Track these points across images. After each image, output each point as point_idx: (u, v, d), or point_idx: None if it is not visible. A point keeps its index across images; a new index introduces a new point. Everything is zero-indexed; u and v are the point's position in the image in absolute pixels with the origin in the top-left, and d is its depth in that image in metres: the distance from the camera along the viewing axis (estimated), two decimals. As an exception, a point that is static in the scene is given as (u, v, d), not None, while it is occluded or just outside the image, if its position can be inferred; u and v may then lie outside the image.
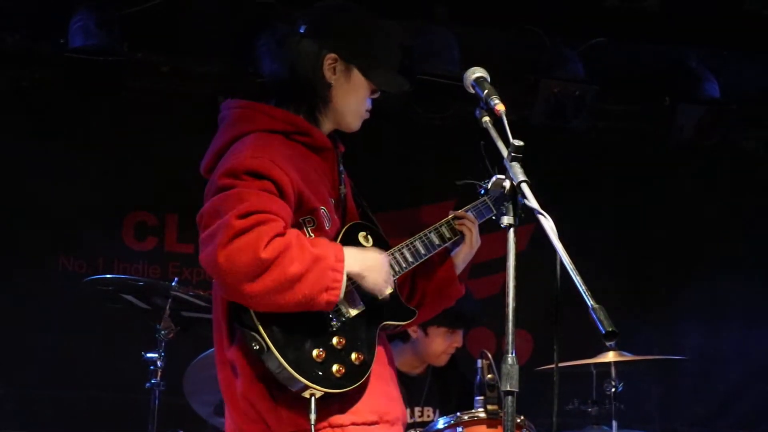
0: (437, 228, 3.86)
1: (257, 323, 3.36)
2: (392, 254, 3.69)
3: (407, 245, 3.74)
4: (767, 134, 8.62)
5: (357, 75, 3.63)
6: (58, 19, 7.10)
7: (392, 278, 3.60)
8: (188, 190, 7.62)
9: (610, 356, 6.00)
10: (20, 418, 7.08)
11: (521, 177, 3.11)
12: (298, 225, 3.48)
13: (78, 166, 7.53)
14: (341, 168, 3.75)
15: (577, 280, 2.97)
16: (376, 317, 3.58)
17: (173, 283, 5.60)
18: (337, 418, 3.44)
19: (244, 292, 3.30)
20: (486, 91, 3.41)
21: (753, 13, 7.03)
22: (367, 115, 3.74)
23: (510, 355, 3.02)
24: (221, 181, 3.44)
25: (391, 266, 3.63)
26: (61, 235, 7.51)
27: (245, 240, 3.26)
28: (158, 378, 5.61)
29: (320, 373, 3.37)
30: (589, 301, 2.92)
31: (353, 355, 3.44)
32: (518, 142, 3.17)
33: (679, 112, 7.96)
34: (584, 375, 6.29)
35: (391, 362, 3.71)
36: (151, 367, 5.62)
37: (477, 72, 3.48)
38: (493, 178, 3.22)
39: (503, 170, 3.20)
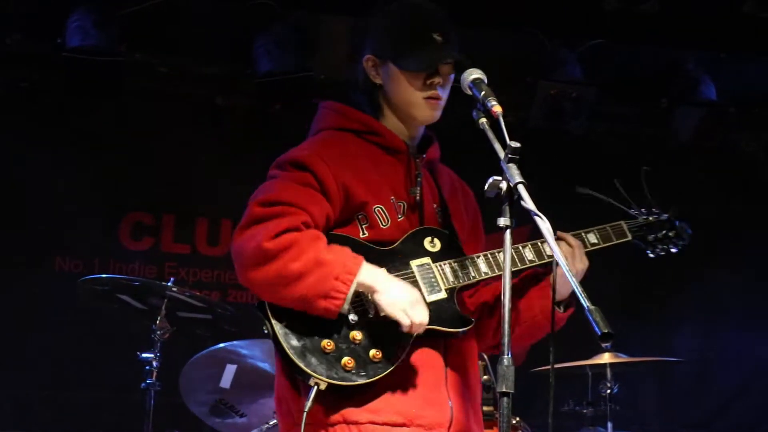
0: (536, 244, 3.75)
1: (267, 310, 3.41)
2: (463, 261, 3.61)
3: (485, 255, 3.64)
4: (765, 137, 8.62)
5: (392, 67, 3.62)
6: (55, 19, 7.10)
7: (418, 309, 3.41)
8: (185, 190, 7.76)
9: (606, 358, 6.01)
10: (15, 418, 7.08)
11: (518, 178, 3.10)
12: (352, 221, 3.51)
13: (75, 166, 7.53)
14: (419, 171, 3.69)
15: (573, 281, 2.98)
16: None
17: (169, 284, 5.60)
18: (352, 413, 3.41)
19: (248, 277, 3.36)
20: (483, 92, 3.40)
21: (751, 16, 7.03)
22: (434, 103, 3.63)
23: (506, 356, 3.02)
24: (270, 172, 3.55)
25: (454, 273, 3.57)
26: (57, 235, 7.52)
27: (258, 228, 3.34)
28: (154, 378, 5.61)
29: (325, 364, 3.35)
30: (585, 303, 2.92)
31: (371, 352, 3.39)
32: (515, 144, 3.16)
33: (676, 115, 7.97)
34: (580, 376, 6.29)
35: (457, 369, 3.59)
36: (147, 368, 5.62)
37: (474, 73, 3.48)
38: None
39: (501, 171, 3.19)
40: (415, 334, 3.43)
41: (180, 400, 5.86)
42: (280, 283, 3.32)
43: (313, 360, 3.34)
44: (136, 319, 5.93)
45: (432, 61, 3.59)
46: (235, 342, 5.53)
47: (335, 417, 3.40)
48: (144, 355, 5.63)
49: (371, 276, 3.38)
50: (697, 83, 7.82)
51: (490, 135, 3.33)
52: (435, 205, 3.72)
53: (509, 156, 3.15)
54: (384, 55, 3.64)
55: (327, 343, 3.37)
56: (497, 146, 3.27)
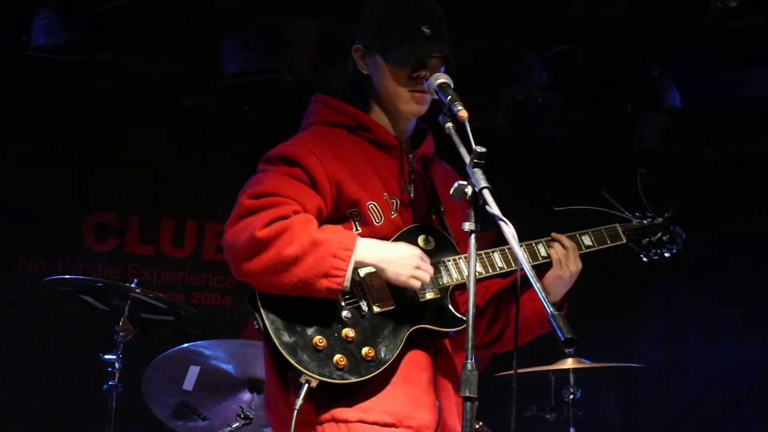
0: (531, 244, 3.79)
1: (258, 303, 3.38)
2: (457, 260, 3.60)
3: (479, 254, 3.60)
4: (729, 144, 8.67)
5: (379, 59, 3.60)
6: (21, 18, 7.05)
7: (426, 275, 3.44)
8: (150, 191, 7.72)
9: (569, 363, 6.03)
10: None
11: (483, 183, 3.10)
12: (345, 218, 3.49)
13: (40, 165, 7.48)
14: (412, 167, 3.67)
15: (537, 287, 2.98)
16: (411, 319, 3.48)
17: (132, 285, 5.57)
18: (341, 412, 3.38)
19: (242, 269, 3.33)
20: (449, 97, 3.41)
21: (716, 24, 7.07)
22: (419, 97, 3.60)
23: (469, 361, 3.01)
24: (259, 166, 3.53)
25: (447, 271, 3.56)
26: (20, 235, 7.46)
27: (249, 219, 3.32)
28: (116, 380, 5.58)
29: (317, 361, 3.32)
30: (549, 308, 2.93)
31: (364, 350, 3.37)
32: (481, 149, 3.16)
33: (641, 121, 8.01)
34: (543, 381, 6.31)
35: (445, 371, 3.59)
36: (109, 369, 5.59)
37: (440, 78, 3.48)
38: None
39: (466, 176, 3.19)
40: (406, 335, 3.43)
41: (143, 402, 5.83)
42: (277, 270, 3.29)
43: (305, 357, 3.32)
44: (98, 320, 5.89)
45: (417, 56, 3.57)
46: (198, 342, 5.49)
47: (325, 415, 3.39)
48: (106, 356, 5.60)
49: (369, 249, 3.39)
50: (662, 90, 7.86)
51: (456, 140, 3.34)
52: (429, 202, 3.70)
53: (474, 161, 3.15)
54: (371, 47, 3.63)
55: (319, 340, 3.34)
56: (463, 151, 3.27)
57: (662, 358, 8.14)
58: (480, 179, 3.12)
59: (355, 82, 3.70)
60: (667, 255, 4.16)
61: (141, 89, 7.73)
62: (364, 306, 3.42)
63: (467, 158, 3.20)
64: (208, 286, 7.79)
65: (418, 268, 3.42)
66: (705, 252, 8.20)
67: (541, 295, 2.97)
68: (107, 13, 7.11)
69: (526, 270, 3.02)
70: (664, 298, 8.19)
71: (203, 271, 7.81)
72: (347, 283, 3.34)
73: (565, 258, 3.77)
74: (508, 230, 3.07)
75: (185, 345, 5.49)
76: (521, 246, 3.69)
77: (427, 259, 3.47)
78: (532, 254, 3.75)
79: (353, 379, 3.35)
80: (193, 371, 5.53)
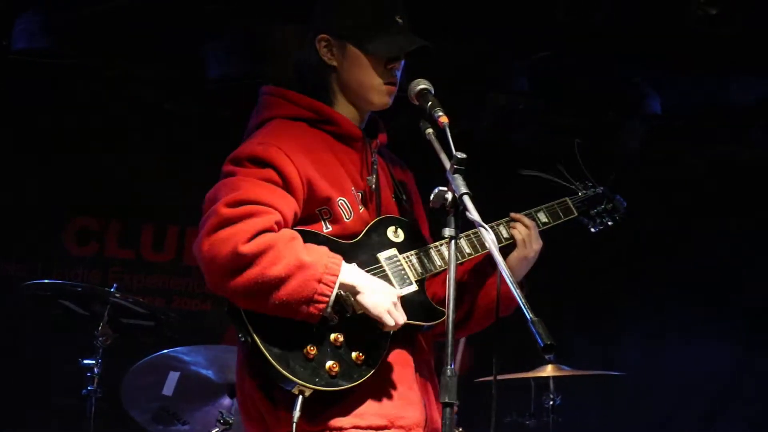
0: (492, 227, 3.65)
1: (243, 316, 3.25)
2: (427, 250, 3.53)
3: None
4: (710, 151, 8.70)
5: (352, 49, 3.51)
6: (1, 21, 7.02)
7: (399, 308, 3.33)
8: (131, 196, 7.71)
9: (549, 370, 6.03)
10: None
11: (463, 189, 3.08)
12: (314, 217, 3.39)
13: (20, 169, 7.46)
14: (374, 158, 3.60)
15: (516, 292, 2.95)
16: None
17: (112, 289, 5.56)
18: (337, 421, 3.31)
19: (224, 286, 3.18)
20: (430, 103, 3.39)
21: (699, 32, 7.09)
22: (392, 89, 3.54)
23: (449, 366, 2.98)
24: (225, 168, 3.37)
25: (421, 263, 3.50)
26: (0, 239, 7.43)
27: (230, 231, 3.16)
28: (95, 384, 5.56)
29: (309, 370, 3.23)
30: (528, 314, 2.90)
31: (353, 354, 3.29)
32: (461, 155, 3.14)
33: (623, 128, 8.03)
34: (523, 387, 6.31)
35: (421, 365, 3.51)
36: (88, 374, 5.57)
37: (421, 84, 3.46)
38: (436, 194, 3.12)
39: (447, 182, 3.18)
40: (391, 333, 3.35)
41: (122, 407, 5.81)
42: (261, 290, 3.16)
43: (297, 367, 3.22)
44: (78, 325, 5.87)
45: (401, 47, 3.52)
46: (178, 348, 5.48)
47: (319, 424, 3.31)
48: (86, 361, 5.58)
49: (352, 276, 3.26)
50: (644, 97, 7.89)
51: (437, 146, 3.31)
52: (390, 191, 3.64)
53: (455, 167, 3.13)
54: (343, 36, 3.52)
55: (310, 348, 3.25)
56: (443, 157, 3.25)
57: (644, 364, 8.15)
58: (460, 185, 3.09)
59: (317, 73, 3.57)
60: (610, 224, 4.11)
61: (123, 93, 7.72)
62: (348, 308, 3.31)
63: (447, 164, 3.18)
64: (189, 291, 7.78)
65: (395, 305, 3.32)
66: (689, 258, 8.25)
67: (521, 301, 2.94)
68: (89, 17, 7.09)
69: (504, 275, 3.00)
70: (648, 305, 8.20)
71: (184, 276, 7.80)
72: (329, 309, 3.23)
73: (528, 237, 3.71)
74: (488, 236, 3.06)
75: (165, 351, 5.48)
76: (500, 224, 3.70)
77: (399, 305, 3.36)
78: (497, 237, 3.65)
79: (347, 385, 3.27)
80: (173, 377, 5.51)
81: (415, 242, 3.54)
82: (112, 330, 5.56)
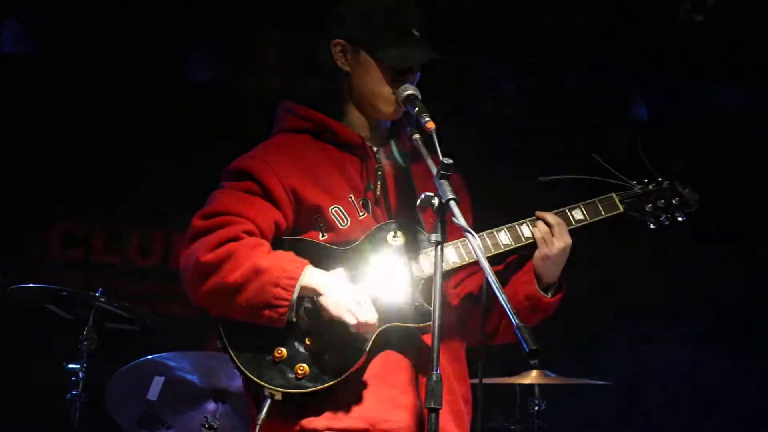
0: (513, 226, 3.62)
1: (216, 321, 3.34)
2: (426, 253, 3.47)
3: (455, 244, 3.51)
4: (695, 158, 8.71)
5: (364, 55, 3.53)
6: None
7: (365, 307, 3.29)
8: (117, 201, 7.68)
9: (534, 376, 6.03)
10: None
11: (450, 195, 3.08)
12: (310, 225, 3.44)
13: (5, 173, 7.43)
14: (379, 164, 3.59)
15: (502, 298, 2.94)
16: (379, 318, 3.34)
17: (97, 294, 5.54)
18: (310, 421, 3.32)
19: (193, 295, 3.32)
20: (417, 108, 3.39)
21: (685, 37, 7.11)
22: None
23: (435, 372, 2.99)
24: (220, 181, 3.50)
25: (418, 264, 3.45)
26: (-17, 242, 7.42)
27: (199, 242, 3.29)
28: (80, 389, 5.54)
29: (275, 373, 3.28)
30: (514, 320, 2.89)
31: (326, 357, 3.31)
32: (448, 160, 3.14)
33: (608, 134, 8.04)
34: (509, 393, 6.30)
35: (412, 368, 3.45)
36: (73, 378, 5.55)
37: (408, 89, 3.47)
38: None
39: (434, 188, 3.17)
40: (373, 337, 3.34)
41: (106, 412, 5.80)
42: (222, 296, 3.25)
43: (266, 371, 3.28)
44: (63, 329, 5.85)
45: (413, 58, 3.53)
46: (163, 354, 5.47)
47: (293, 426, 3.33)
48: (70, 365, 5.57)
49: (315, 278, 3.28)
50: (630, 103, 7.90)
51: (424, 151, 3.33)
52: (403, 196, 3.60)
53: (441, 172, 3.13)
54: (357, 42, 3.54)
55: (279, 351, 3.29)
56: (430, 162, 3.26)
57: (631, 372, 8.16)
58: (447, 190, 3.09)
59: (330, 77, 3.61)
60: (680, 219, 3.87)
61: (108, 98, 7.70)
62: (323, 312, 3.32)
63: (434, 169, 3.18)
64: (174, 295, 7.76)
65: (360, 303, 3.29)
66: (673, 263, 8.25)
67: (506, 306, 2.92)
68: (75, 22, 7.09)
69: (490, 280, 2.98)
70: (633, 312, 8.21)
71: (169, 281, 7.78)
72: (292, 313, 3.26)
73: (549, 235, 3.57)
74: (474, 242, 3.06)
75: (150, 356, 5.47)
76: (501, 230, 3.60)
77: (371, 305, 3.31)
78: (515, 236, 3.59)
79: (314, 388, 3.29)
80: (158, 381, 5.50)
81: (417, 245, 3.51)
82: (97, 335, 5.55)
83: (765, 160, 8.11)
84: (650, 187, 3.90)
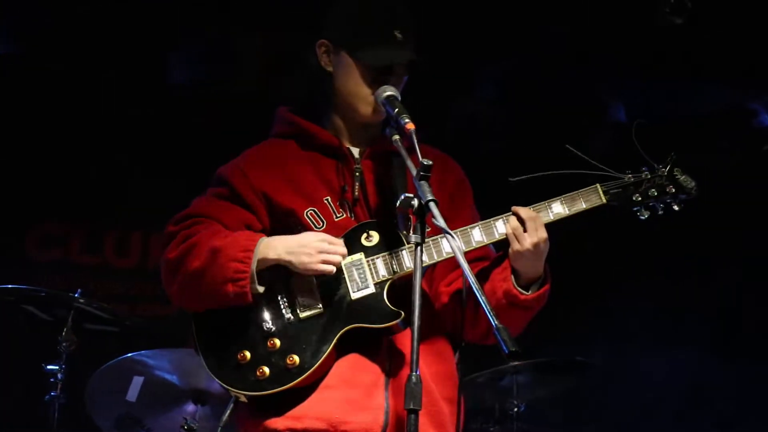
0: (488, 223, 3.53)
1: (193, 326, 3.42)
2: (398, 253, 3.44)
3: (426, 242, 3.33)
4: (680, 159, 8.73)
5: (345, 56, 3.54)
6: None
7: (335, 257, 3.35)
8: (95, 201, 7.66)
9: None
10: None
11: (429, 196, 3.09)
12: (288, 228, 3.47)
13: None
14: (358, 165, 3.58)
15: (482, 299, 2.95)
16: (342, 319, 3.38)
17: (76, 295, 5.52)
18: (272, 422, 3.35)
19: (169, 294, 3.45)
20: (397, 109, 3.40)
21: (665, 40, 7.13)
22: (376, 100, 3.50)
23: (414, 373, 2.98)
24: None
25: (387, 266, 3.42)
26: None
27: (170, 245, 3.42)
28: (58, 390, 5.53)
29: (238, 375, 3.34)
30: (494, 321, 2.89)
31: (287, 359, 3.33)
32: (427, 162, 3.14)
33: (589, 136, 8.06)
34: (488, 394, 6.30)
35: (379, 370, 3.41)
36: (51, 380, 5.53)
37: (388, 90, 3.47)
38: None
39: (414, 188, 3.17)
40: (335, 339, 3.35)
41: (86, 414, 5.78)
42: (189, 287, 3.36)
43: (230, 373, 3.35)
44: (41, 331, 5.83)
45: (390, 58, 3.52)
46: (142, 352, 5.46)
47: (257, 427, 3.38)
48: (49, 367, 5.55)
49: (272, 246, 3.36)
50: (610, 105, 7.92)
51: (403, 152, 3.33)
52: (383, 198, 3.59)
53: (421, 174, 3.14)
54: (339, 42, 3.56)
55: (244, 353, 3.35)
56: (410, 163, 3.27)
57: (610, 370, 8.17)
58: (426, 192, 3.10)
59: (315, 78, 3.64)
60: (676, 207, 3.70)
61: (88, 98, 7.67)
62: (288, 313, 3.39)
63: (414, 171, 3.19)
64: (153, 296, 7.74)
65: (323, 252, 3.35)
66: (655, 264, 8.28)
67: (486, 308, 2.92)
68: (56, 23, 7.06)
69: (471, 282, 2.98)
70: (613, 309, 8.22)
71: (148, 282, 7.76)
72: (255, 285, 3.33)
73: (520, 231, 3.43)
74: (454, 243, 3.06)
75: (129, 354, 5.45)
76: (475, 227, 3.51)
77: (337, 241, 3.39)
78: (489, 233, 3.48)
79: (274, 389, 3.33)
80: (137, 382, 5.49)
81: (391, 245, 3.47)
82: (76, 335, 5.54)
83: (749, 161, 8.14)
84: (644, 175, 3.74)
